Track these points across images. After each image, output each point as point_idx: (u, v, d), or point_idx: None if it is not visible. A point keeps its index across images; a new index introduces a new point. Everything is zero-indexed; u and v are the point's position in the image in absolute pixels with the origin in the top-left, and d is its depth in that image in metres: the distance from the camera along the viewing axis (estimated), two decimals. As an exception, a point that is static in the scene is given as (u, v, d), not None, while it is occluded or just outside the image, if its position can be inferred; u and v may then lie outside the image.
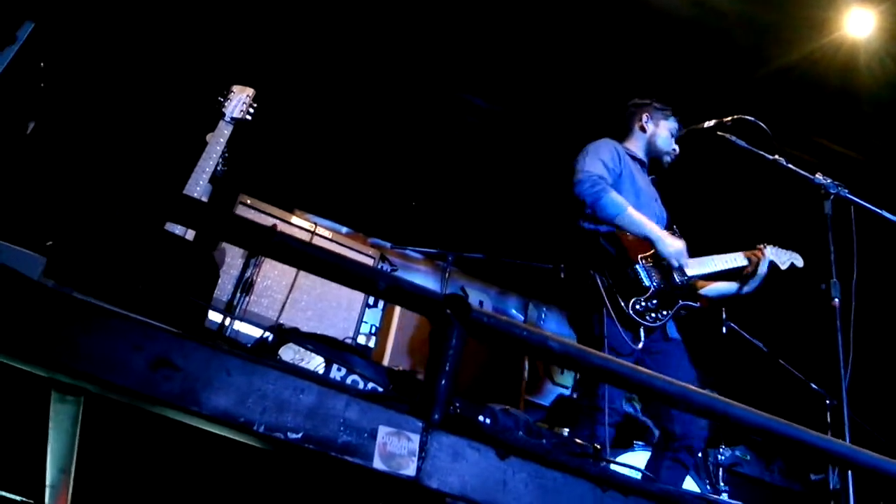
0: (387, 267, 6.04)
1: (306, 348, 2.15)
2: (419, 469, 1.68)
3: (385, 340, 4.47)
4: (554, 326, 7.97)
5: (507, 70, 6.18)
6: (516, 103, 6.48)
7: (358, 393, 1.73)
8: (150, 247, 2.14)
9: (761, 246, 3.87)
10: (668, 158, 3.94)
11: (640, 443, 4.79)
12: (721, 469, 5.44)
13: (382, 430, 1.68)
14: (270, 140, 6.18)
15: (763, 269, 3.76)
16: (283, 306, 4.19)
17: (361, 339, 5.65)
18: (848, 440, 3.17)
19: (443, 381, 1.82)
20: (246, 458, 1.76)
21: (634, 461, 4.44)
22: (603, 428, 3.22)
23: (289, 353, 2.28)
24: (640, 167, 3.85)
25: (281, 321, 4.07)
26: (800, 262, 3.96)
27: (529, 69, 6.14)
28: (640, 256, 3.48)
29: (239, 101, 3.57)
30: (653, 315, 3.41)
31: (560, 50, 5.89)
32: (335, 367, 1.89)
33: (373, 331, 5.29)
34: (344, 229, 6.77)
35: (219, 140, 3.41)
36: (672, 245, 3.53)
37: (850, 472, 3.26)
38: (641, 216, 3.52)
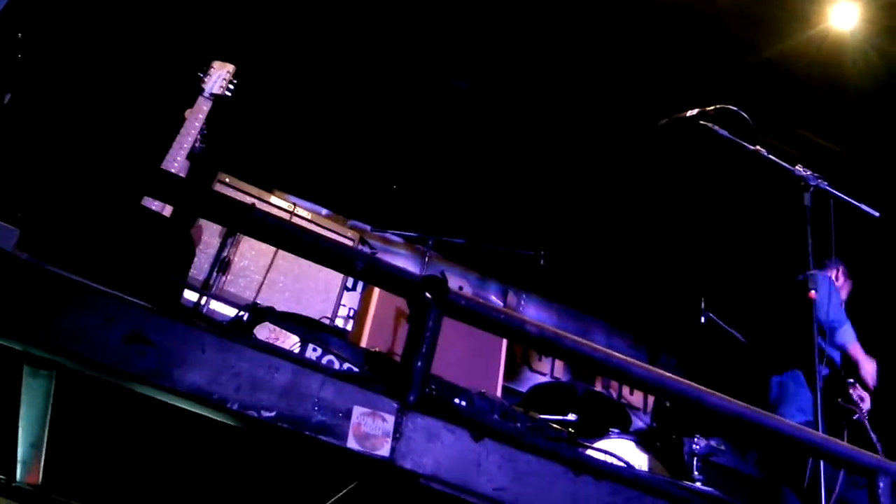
0: (366, 250, 6.02)
1: (281, 327, 2.14)
2: (393, 449, 1.68)
3: (363, 323, 4.44)
4: (533, 312, 7.98)
5: (490, 52, 6.16)
6: (500, 86, 6.46)
7: (333, 373, 1.72)
8: (126, 221, 2.11)
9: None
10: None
11: (615, 430, 4.82)
12: (696, 458, 5.48)
13: (357, 411, 1.68)
14: (250, 118, 6.12)
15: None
16: (260, 287, 4.16)
17: (339, 322, 5.63)
18: (821, 430, 3.21)
19: (419, 363, 1.81)
20: (219, 435, 1.75)
21: (611, 448, 4.46)
22: None
23: (264, 332, 2.26)
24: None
25: (258, 301, 4.05)
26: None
27: (512, 51, 6.12)
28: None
29: (219, 77, 3.53)
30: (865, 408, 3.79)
31: (545, 32, 5.88)
32: (311, 346, 1.88)
33: (351, 314, 5.27)
34: (324, 211, 6.73)
35: (197, 116, 3.38)
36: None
37: (821, 461, 3.31)
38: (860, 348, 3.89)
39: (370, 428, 1.68)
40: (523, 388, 6.28)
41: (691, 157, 5.71)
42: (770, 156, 3.51)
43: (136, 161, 2.07)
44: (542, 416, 3.95)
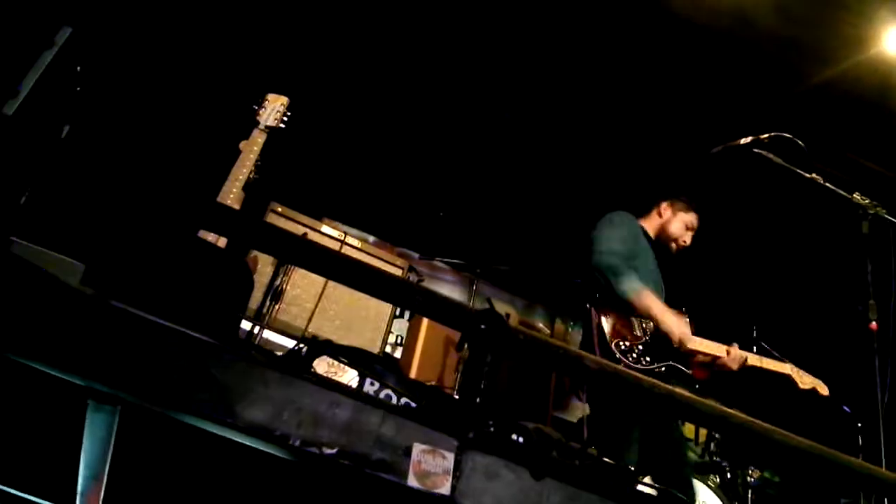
0: (413, 277, 6.03)
1: (339, 361, 2.13)
2: (454, 488, 1.66)
3: (412, 351, 4.45)
4: (579, 338, 7.88)
5: (539, 84, 6.17)
6: (546, 116, 6.46)
7: (392, 409, 1.71)
8: (185, 254, 2.14)
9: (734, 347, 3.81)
10: (674, 246, 4.05)
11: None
12: (750, 491, 5.37)
13: (417, 448, 1.67)
14: (301, 148, 6.20)
15: (733, 367, 3.74)
16: (311, 315, 4.18)
17: (388, 349, 5.64)
18: (883, 464, 3.11)
19: (477, 399, 1.80)
20: (280, 471, 1.75)
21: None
22: (634, 450, 3.27)
23: (322, 365, 2.26)
24: (649, 245, 3.98)
25: (310, 330, 4.07)
26: (824, 391, 3.96)
27: (561, 82, 6.12)
28: (636, 318, 3.63)
29: (273, 109, 3.58)
30: (635, 356, 3.51)
31: (595, 64, 5.87)
32: (368, 380, 1.88)
33: (399, 341, 5.27)
34: (371, 238, 6.77)
35: (252, 148, 3.42)
36: (675, 323, 3.60)
37: (885, 497, 3.21)
38: (652, 298, 3.64)
39: (430, 466, 1.66)
40: (572, 419, 6.20)
41: (746, 185, 5.64)
42: (827, 184, 3.44)
43: (193, 194, 2.09)
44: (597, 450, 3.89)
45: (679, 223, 4.03)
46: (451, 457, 1.69)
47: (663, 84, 5.81)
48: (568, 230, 7.01)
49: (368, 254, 4.69)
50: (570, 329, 7.91)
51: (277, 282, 3.84)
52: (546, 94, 6.24)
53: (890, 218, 3.44)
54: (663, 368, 3.59)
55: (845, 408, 5.11)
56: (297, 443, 1.60)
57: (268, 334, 3.97)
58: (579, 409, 6.52)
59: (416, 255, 6.62)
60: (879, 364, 3.17)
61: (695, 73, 5.64)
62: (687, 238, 4.05)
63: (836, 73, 5.26)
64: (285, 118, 3.64)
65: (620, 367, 2.04)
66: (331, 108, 6.28)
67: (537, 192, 6.96)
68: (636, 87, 5.94)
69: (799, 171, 3.48)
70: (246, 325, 3.93)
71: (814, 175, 3.49)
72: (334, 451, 1.61)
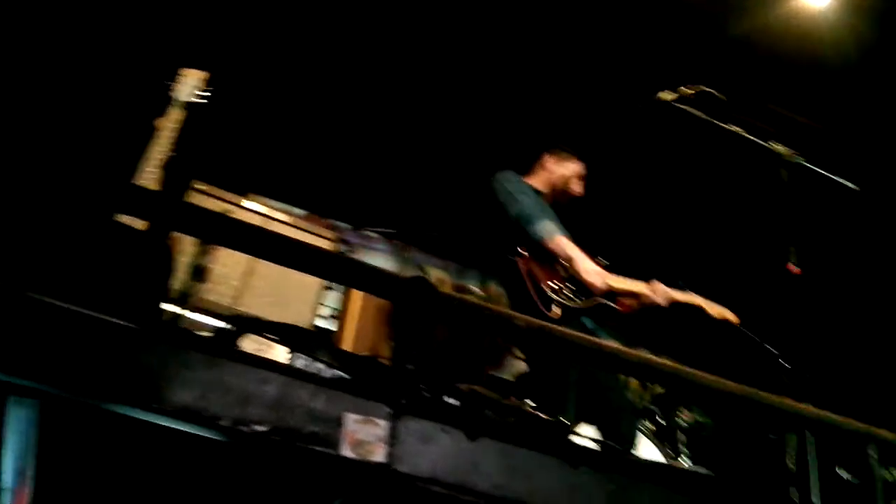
0: (346, 248, 5.99)
1: (267, 338, 2.11)
2: (389, 455, 1.67)
3: (346, 324, 4.41)
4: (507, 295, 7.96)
5: (463, 40, 6.13)
6: (472, 75, 6.43)
7: (323, 381, 1.71)
8: (102, 239, 2.08)
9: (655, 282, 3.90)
10: (567, 196, 4.07)
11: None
12: (682, 433, 5.53)
13: (350, 418, 1.67)
14: (222, 123, 6.06)
15: (659, 302, 3.83)
16: (239, 293, 4.11)
17: (321, 323, 5.60)
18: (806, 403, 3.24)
19: (409, 366, 1.81)
20: (212, 451, 1.73)
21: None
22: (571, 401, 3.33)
23: (251, 343, 2.23)
24: (541, 198, 3.98)
25: (238, 308, 4.00)
26: (733, 319, 4.08)
27: (484, 38, 6.09)
28: (560, 264, 3.67)
29: (190, 84, 3.48)
30: (568, 295, 3.58)
31: (511, 22, 5.86)
32: (298, 355, 1.86)
33: (333, 314, 5.23)
34: (300, 211, 6.68)
35: (169, 126, 3.32)
36: (591, 266, 3.65)
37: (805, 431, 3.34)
38: (567, 242, 3.68)
39: (364, 435, 1.66)
40: (507, 375, 6.28)
41: (670, 138, 5.72)
42: (747, 135, 3.52)
43: (108, 176, 2.03)
44: (533, 406, 3.95)
45: (567, 173, 4.05)
46: (385, 424, 1.69)
47: (584, 37, 5.83)
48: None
49: (296, 227, 4.62)
50: (503, 289, 7.98)
51: (201, 261, 3.74)
52: (471, 50, 6.21)
53: (808, 165, 3.54)
54: (593, 305, 3.67)
55: (770, 348, 5.28)
56: (227, 423, 1.58)
57: (194, 315, 3.89)
58: (515, 367, 6.61)
59: (347, 227, 6.56)
60: (800, 307, 3.29)
61: (616, 25, 5.67)
62: (578, 187, 4.08)
63: (758, 25, 5.34)
64: (203, 93, 3.53)
65: (547, 322, 2.06)
66: (250, 81, 6.15)
67: (465, 156, 6.95)
68: (555, 42, 5.94)
69: (720, 123, 3.55)
70: (171, 307, 3.85)
71: (735, 127, 3.57)
72: (265, 428, 1.59)
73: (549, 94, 6.36)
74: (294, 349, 1.92)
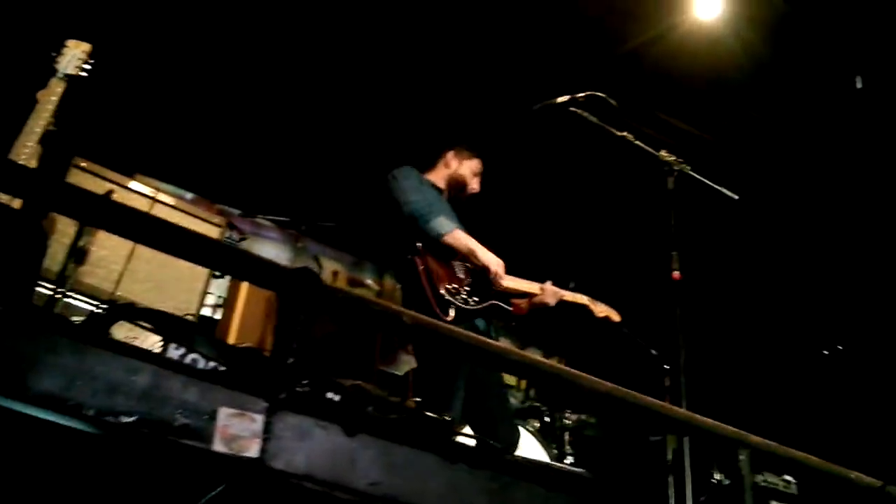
0: (235, 235, 5.85)
1: (140, 326, 2.02)
2: (263, 450, 1.62)
3: (232, 314, 4.31)
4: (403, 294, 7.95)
5: (362, 38, 6.08)
6: (375, 68, 6.38)
7: (197, 373, 1.65)
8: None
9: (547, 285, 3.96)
10: (465, 193, 4.12)
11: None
12: (566, 433, 5.63)
13: (223, 412, 1.61)
14: (110, 99, 5.81)
15: (550, 302, 3.91)
16: (120, 278, 3.95)
17: (207, 312, 5.46)
18: (683, 403, 3.35)
19: (289, 360, 1.76)
20: (79, 443, 1.64)
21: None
22: (458, 400, 3.34)
23: (123, 331, 2.13)
24: (440, 195, 4.02)
25: (118, 293, 3.85)
26: (616, 317, 4.18)
27: (386, 40, 6.06)
28: (457, 262, 3.72)
29: (73, 56, 3.31)
30: (464, 297, 3.60)
31: (421, 20, 5.85)
32: (173, 345, 1.78)
33: (220, 302, 5.10)
34: (189, 195, 6.48)
35: (50, 98, 3.15)
36: (492, 258, 3.70)
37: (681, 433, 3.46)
38: (466, 235, 3.74)
39: (238, 429, 1.61)
40: (400, 372, 6.27)
41: (564, 142, 5.83)
42: (637, 141, 3.61)
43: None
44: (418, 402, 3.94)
45: (466, 170, 4.08)
46: (260, 419, 1.65)
47: (486, 42, 5.88)
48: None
49: (183, 211, 4.47)
50: (399, 285, 7.95)
51: (81, 242, 3.58)
52: (370, 43, 6.16)
53: (694, 174, 3.67)
54: (486, 307, 3.70)
55: (653, 351, 5.44)
56: (92, 412, 1.50)
57: (72, 299, 3.72)
58: (406, 363, 6.61)
59: (238, 212, 6.41)
60: (681, 312, 3.40)
61: (515, 34, 5.74)
62: (475, 184, 4.12)
63: (652, 37, 5.49)
64: (87, 66, 3.37)
65: (437, 320, 2.05)
66: (141, 55, 5.92)
67: (364, 147, 6.89)
68: (460, 47, 5.97)
69: (611, 129, 3.63)
70: (48, 290, 3.67)
71: (625, 133, 3.66)
72: (133, 419, 1.52)
73: (450, 91, 6.38)
74: (168, 338, 1.85)
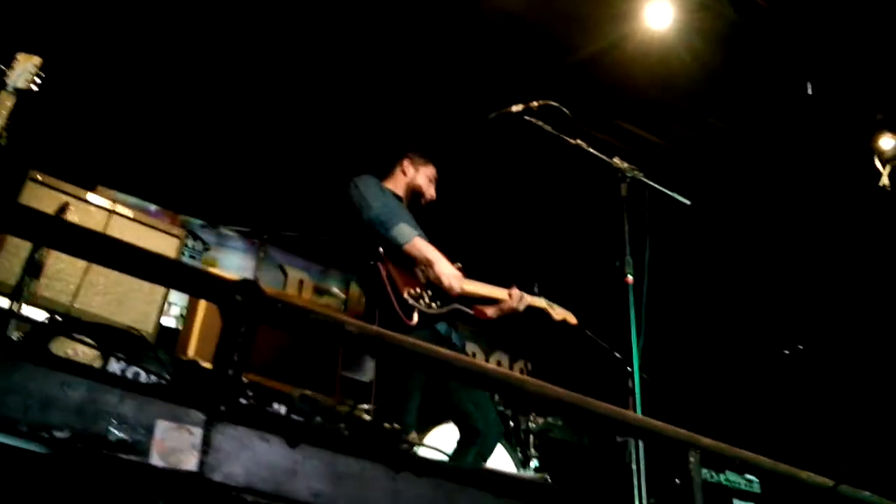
0: (198, 246, 5.83)
1: (79, 340, 2.00)
2: (202, 463, 1.62)
3: (192, 326, 4.27)
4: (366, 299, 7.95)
5: (312, 44, 6.09)
6: (328, 76, 6.39)
7: (134, 386, 1.64)
8: None
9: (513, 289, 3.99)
10: (423, 200, 4.16)
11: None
12: (532, 436, 5.65)
13: (161, 425, 1.60)
14: (72, 111, 5.78)
15: (518, 307, 3.94)
16: (77, 290, 3.91)
17: (170, 323, 5.42)
18: (639, 406, 3.39)
19: (230, 371, 1.76)
20: (12, 460, 1.62)
21: (447, 434, 4.54)
22: (410, 413, 3.36)
23: (65, 346, 2.11)
24: (400, 202, 4.06)
25: (76, 306, 3.81)
26: (573, 320, 4.22)
27: (340, 47, 6.07)
28: (419, 268, 3.74)
29: (24, 70, 3.28)
30: (426, 301, 3.63)
31: (377, 29, 5.87)
32: (114, 359, 1.77)
33: (182, 313, 5.07)
34: (153, 207, 6.44)
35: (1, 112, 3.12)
36: (447, 269, 3.73)
37: (637, 438, 3.50)
38: (425, 244, 3.78)
39: (175, 442, 1.61)
40: (366, 378, 6.26)
41: (518, 150, 5.88)
42: (590, 148, 3.66)
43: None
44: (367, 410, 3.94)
45: (423, 177, 4.13)
46: (198, 432, 1.64)
47: (440, 52, 5.91)
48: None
49: (141, 223, 4.41)
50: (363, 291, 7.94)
51: (36, 254, 3.55)
52: (321, 54, 6.17)
53: (646, 180, 3.73)
54: (449, 311, 3.72)
55: (617, 354, 5.49)
56: (25, 428, 1.49)
57: (29, 313, 3.67)
58: (371, 370, 6.58)
59: (202, 224, 6.39)
60: (634, 314, 3.45)
61: (469, 44, 5.79)
62: (432, 191, 4.16)
63: (605, 45, 5.56)
64: (38, 79, 3.34)
65: (381, 330, 2.06)
66: (102, 67, 5.89)
67: (327, 156, 6.89)
68: (415, 58, 6.00)
69: (565, 137, 3.68)
70: (2, 303, 3.64)
71: (578, 141, 3.72)
72: (67, 434, 1.51)
73: (407, 99, 6.40)
74: (109, 352, 1.84)
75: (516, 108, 3.73)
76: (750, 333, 7.43)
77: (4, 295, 3.64)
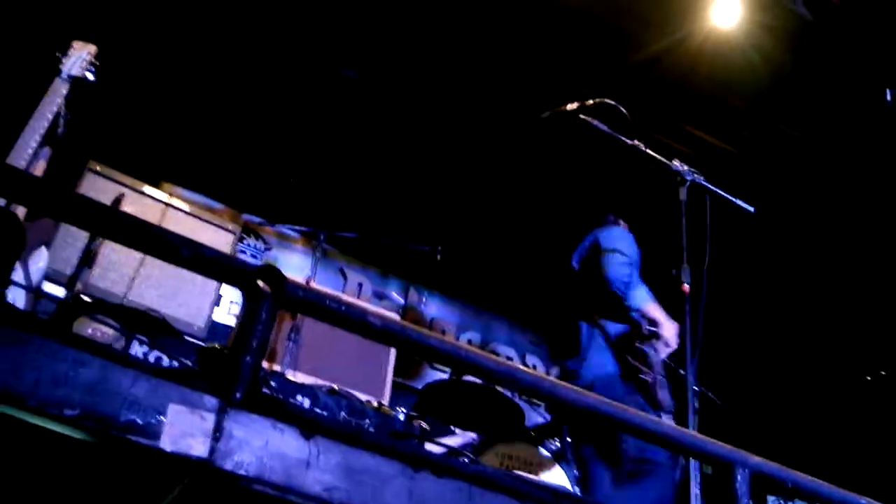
0: (259, 244, 5.90)
1: (98, 320, 2.01)
2: (212, 450, 1.58)
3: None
4: (434, 310, 7.94)
5: (379, 43, 6.08)
6: (391, 78, 6.38)
7: (150, 369, 1.61)
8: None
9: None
10: None
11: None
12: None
13: (172, 409, 1.58)
14: (138, 107, 5.90)
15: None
16: (132, 282, 3.96)
17: (229, 321, 5.48)
18: (692, 421, 3.25)
19: (248, 358, 1.72)
20: (19, 433, 1.62)
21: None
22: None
23: (92, 327, 2.12)
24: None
25: (129, 298, 3.85)
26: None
27: (399, 43, 6.04)
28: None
29: (79, 58, 3.33)
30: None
31: (433, 24, 5.83)
32: (137, 343, 1.76)
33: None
34: (217, 205, 6.53)
35: (53, 99, 3.17)
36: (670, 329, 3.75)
37: (691, 457, 3.35)
38: (651, 306, 3.81)
39: (187, 427, 1.58)
40: (419, 386, 6.21)
41: (574, 150, 5.76)
42: (648, 150, 3.54)
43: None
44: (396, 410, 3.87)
45: None
46: (211, 417, 1.61)
47: (501, 50, 5.84)
48: (420, 200, 7.01)
49: (196, 217, 4.47)
50: (424, 299, 7.93)
51: (93, 244, 3.59)
52: (387, 55, 6.16)
53: (707, 185, 3.57)
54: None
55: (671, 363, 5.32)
56: (34, 403, 1.48)
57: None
58: (426, 378, 6.53)
59: (264, 222, 6.45)
60: (690, 324, 3.31)
61: (530, 40, 5.69)
62: None
63: (668, 43, 5.39)
64: (93, 68, 3.39)
65: (406, 324, 2.00)
66: (172, 61, 5.99)
67: (388, 157, 6.89)
68: (474, 53, 5.94)
69: (621, 137, 3.56)
70: (60, 292, 3.71)
71: (636, 142, 3.58)
72: (76, 412, 1.50)
73: (464, 98, 6.34)
74: (131, 334, 1.83)
75: (571, 106, 3.63)
76: (821, 355, 7.11)
77: (61, 285, 3.70)
